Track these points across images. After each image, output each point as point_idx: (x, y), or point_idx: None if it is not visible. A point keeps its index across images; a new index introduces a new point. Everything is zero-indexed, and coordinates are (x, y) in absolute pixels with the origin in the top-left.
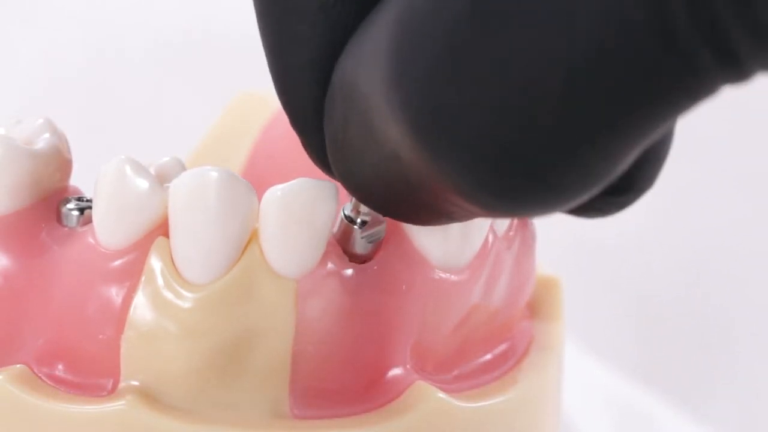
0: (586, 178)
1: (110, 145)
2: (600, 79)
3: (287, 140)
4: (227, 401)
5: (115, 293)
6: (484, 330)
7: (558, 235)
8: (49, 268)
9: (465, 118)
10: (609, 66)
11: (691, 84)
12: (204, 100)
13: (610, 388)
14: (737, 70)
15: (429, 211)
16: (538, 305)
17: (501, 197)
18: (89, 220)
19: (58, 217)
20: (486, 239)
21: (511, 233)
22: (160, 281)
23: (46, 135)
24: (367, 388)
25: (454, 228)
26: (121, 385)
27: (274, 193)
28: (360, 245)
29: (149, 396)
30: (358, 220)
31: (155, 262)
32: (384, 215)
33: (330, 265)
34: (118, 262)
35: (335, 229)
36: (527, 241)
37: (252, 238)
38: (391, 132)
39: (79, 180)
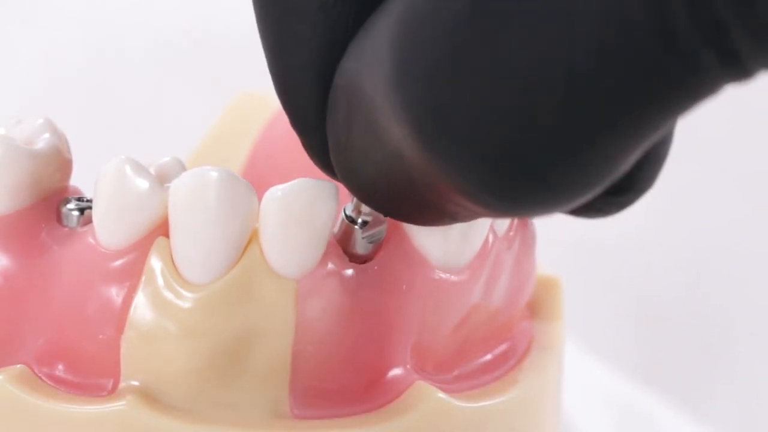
0: (587, 179)
1: (110, 145)
2: (600, 79)
3: (287, 140)
4: (227, 401)
5: (116, 293)
6: (484, 330)
7: (558, 235)
8: (49, 268)
9: (466, 118)
10: (609, 66)
11: (692, 84)
12: (204, 100)
13: (610, 388)
14: (739, 70)
15: (432, 211)
16: (538, 305)
17: (502, 197)
18: (89, 220)
19: (58, 217)
20: (486, 239)
21: (511, 233)
22: (160, 281)
23: (46, 135)
24: (368, 388)
25: (455, 228)
26: (122, 385)
27: (275, 193)
28: (361, 245)
29: (149, 396)
30: (359, 221)
31: (155, 262)
32: (386, 215)
33: (330, 265)
34: (118, 262)
35: (336, 229)
36: (527, 241)
37: (252, 238)
38: (393, 132)
39: (79, 180)
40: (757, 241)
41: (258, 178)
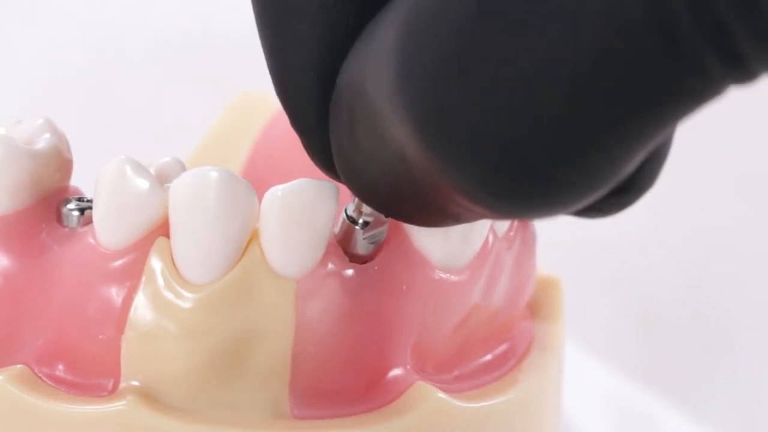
0: (590, 181)
1: (110, 145)
2: (604, 81)
3: (287, 140)
4: (227, 401)
5: (116, 293)
6: (484, 330)
7: (558, 235)
8: (49, 269)
9: (469, 118)
10: (612, 67)
11: (694, 86)
12: (204, 100)
13: (610, 388)
14: (741, 72)
15: (434, 212)
16: (538, 305)
17: (504, 198)
18: (89, 221)
19: (59, 218)
20: (486, 239)
21: (512, 234)
22: (160, 281)
23: (47, 135)
24: (368, 389)
25: (455, 228)
26: (122, 385)
27: (275, 193)
28: (361, 246)
29: (149, 396)
30: (360, 221)
31: (155, 263)
32: (388, 216)
33: (330, 266)
34: (118, 263)
35: (336, 230)
36: (527, 242)
37: (252, 239)
38: (396, 133)
39: (79, 180)
40: (758, 242)
41: (258, 178)
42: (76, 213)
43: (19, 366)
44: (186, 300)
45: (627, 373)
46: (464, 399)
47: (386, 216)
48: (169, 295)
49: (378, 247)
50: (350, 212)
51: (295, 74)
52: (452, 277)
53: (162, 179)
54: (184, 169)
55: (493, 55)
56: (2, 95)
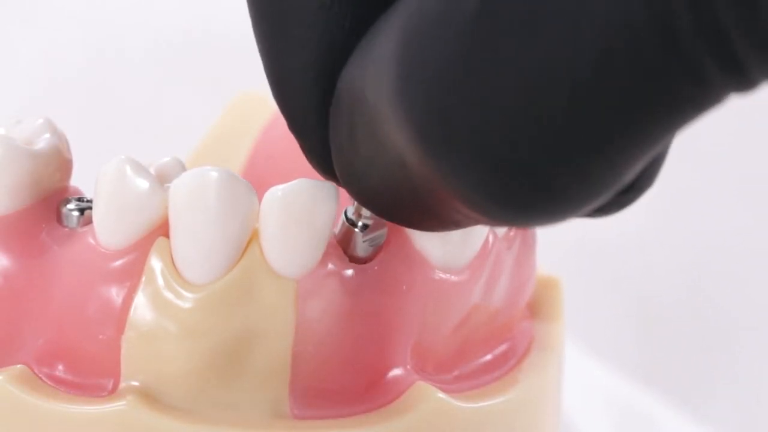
0: (591, 188)
1: (110, 145)
2: (604, 84)
3: (287, 140)
4: (227, 401)
5: (116, 293)
6: (484, 330)
7: (558, 235)
8: (49, 269)
9: (469, 124)
10: (613, 70)
11: (696, 92)
12: (204, 100)
13: (610, 388)
14: (742, 79)
15: (434, 218)
16: (538, 305)
17: (504, 205)
18: (89, 221)
19: (59, 218)
20: (486, 239)
21: (512, 233)
22: (160, 281)
23: (47, 135)
24: (368, 389)
25: None
26: (122, 385)
27: (275, 193)
28: (361, 248)
29: (149, 396)
30: (360, 224)
31: (155, 263)
32: (388, 220)
33: (330, 266)
34: (118, 263)
35: (336, 230)
36: (527, 242)
37: (252, 239)
38: (396, 139)
39: (79, 180)
40: (758, 242)
41: (258, 178)
42: (76, 213)
43: (19, 366)
44: (186, 300)
45: (627, 373)
46: (464, 399)
47: (386, 220)
48: (169, 295)
49: (378, 248)
50: (350, 215)
51: (294, 77)
52: (452, 277)
53: (162, 179)
54: (184, 169)
55: (492, 59)
56: (2, 95)
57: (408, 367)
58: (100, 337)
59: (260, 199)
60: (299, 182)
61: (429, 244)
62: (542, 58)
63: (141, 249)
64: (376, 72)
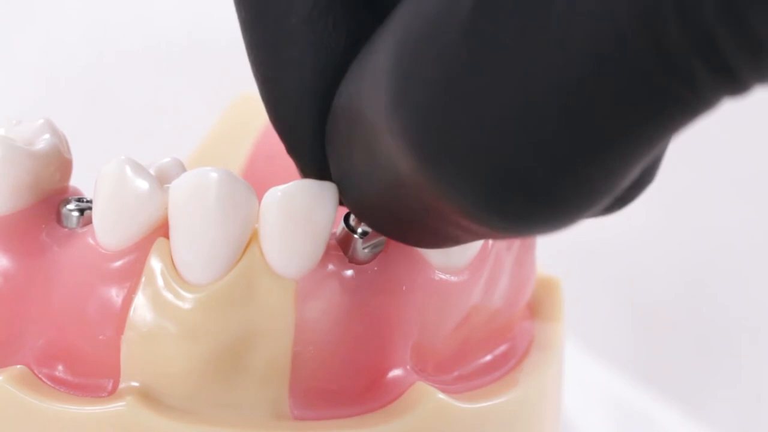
0: (587, 195)
1: (110, 145)
2: (596, 97)
3: None
4: (227, 402)
5: (115, 294)
6: (484, 330)
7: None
8: (49, 269)
9: (465, 138)
10: (604, 84)
11: (688, 97)
12: (204, 101)
13: (610, 388)
14: (733, 84)
15: (432, 234)
16: (538, 306)
17: (503, 215)
18: (89, 221)
19: (58, 218)
20: (486, 240)
21: None
22: (160, 282)
23: (46, 135)
24: (368, 389)
25: None
26: (122, 385)
27: (274, 193)
28: (361, 254)
29: (149, 397)
30: (359, 230)
31: (155, 263)
32: (386, 237)
33: (330, 266)
34: (118, 263)
35: (337, 231)
36: (527, 242)
37: (252, 239)
38: (393, 153)
39: (79, 180)
40: (758, 242)
41: (258, 178)
42: (75, 213)
43: (18, 366)
44: (186, 300)
45: (627, 373)
46: (464, 399)
47: (388, 237)
48: (168, 296)
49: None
50: (350, 222)
51: (290, 100)
52: (452, 277)
53: (162, 180)
54: (184, 169)
55: (484, 70)
56: (2, 96)
57: (408, 367)
58: (100, 337)
59: (260, 199)
60: (299, 182)
61: None
62: (534, 66)
63: (141, 249)
64: (371, 86)
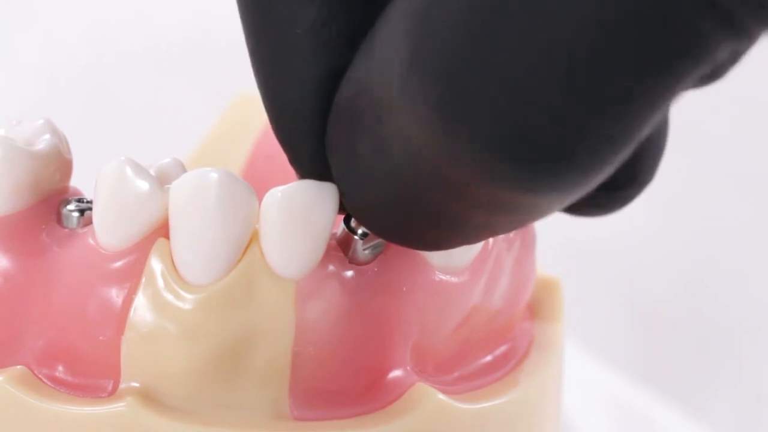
0: (606, 149)
1: (110, 145)
2: (605, 44)
3: None
4: (228, 402)
5: (116, 294)
6: (484, 331)
7: (558, 236)
8: (49, 269)
9: (489, 85)
10: (612, 30)
11: (692, 47)
12: (204, 101)
13: (610, 388)
14: (737, 32)
15: (439, 222)
16: (538, 306)
17: (531, 166)
18: (89, 222)
19: (59, 218)
20: (486, 240)
21: (512, 234)
22: (160, 282)
23: (47, 136)
24: (368, 390)
25: None
26: (122, 386)
27: (275, 194)
28: (362, 255)
29: (149, 397)
30: (360, 231)
31: (156, 264)
32: (391, 242)
33: (330, 267)
34: (118, 264)
35: (338, 232)
36: (527, 243)
37: (252, 239)
38: (405, 129)
39: (79, 180)
40: (758, 242)
41: (258, 179)
42: (75, 214)
43: (18, 367)
44: (186, 301)
45: (627, 373)
46: (464, 400)
47: (392, 242)
48: (169, 296)
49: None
50: (351, 223)
51: (292, 106)
52: (452, 278)
53: (162, 180)
54: (184, 170)
55: (509, 12)
56: (2, 96)
57: (408, 368)
58: (100, 338)
59: (260, 200)
60: (299, 183)
61: None
62: (562, 4)
63: (141, 250)
64: (382, 60)
